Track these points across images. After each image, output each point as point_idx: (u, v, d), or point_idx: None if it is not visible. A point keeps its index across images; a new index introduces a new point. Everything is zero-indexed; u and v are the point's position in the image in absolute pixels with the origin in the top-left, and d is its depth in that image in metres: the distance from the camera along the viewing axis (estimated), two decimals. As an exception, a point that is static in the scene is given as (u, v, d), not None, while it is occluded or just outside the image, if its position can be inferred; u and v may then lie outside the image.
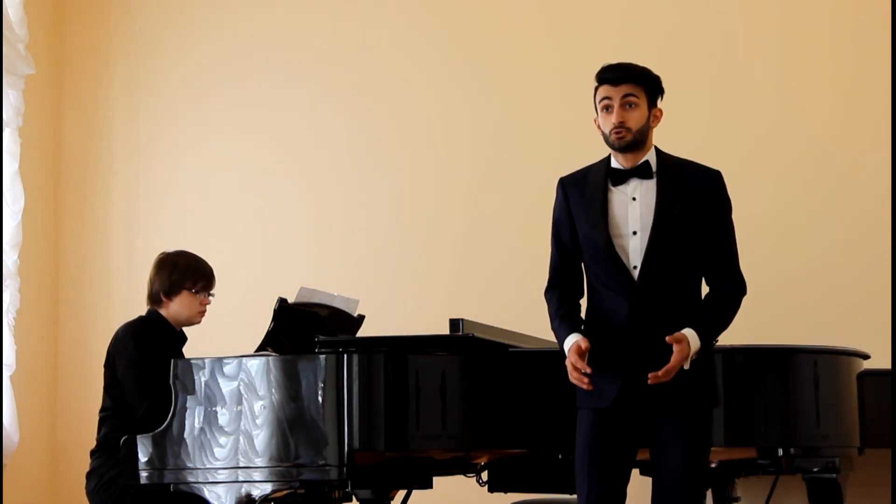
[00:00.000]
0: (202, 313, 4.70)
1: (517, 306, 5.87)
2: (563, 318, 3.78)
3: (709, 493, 5.02)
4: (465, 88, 6.25)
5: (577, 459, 3.74)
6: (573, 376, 3.65)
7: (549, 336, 4.90)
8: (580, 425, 3.76)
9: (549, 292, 3.86)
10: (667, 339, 3.59)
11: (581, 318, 3.80)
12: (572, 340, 3.69)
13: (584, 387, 3.64)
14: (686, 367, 3.62)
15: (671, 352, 3.60)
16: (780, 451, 4.25)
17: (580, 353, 3.64)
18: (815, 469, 4.33)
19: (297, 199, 6.39)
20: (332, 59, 6.42)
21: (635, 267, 3.68)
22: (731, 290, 3.74)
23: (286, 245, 6.37)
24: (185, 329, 4.73)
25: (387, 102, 6.33)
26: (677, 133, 5.60)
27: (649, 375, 3.58)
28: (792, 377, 4.29)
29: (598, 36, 6.09)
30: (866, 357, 4.67)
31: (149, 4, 6.66)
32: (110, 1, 6.70)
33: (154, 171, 6.58)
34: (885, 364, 4.79)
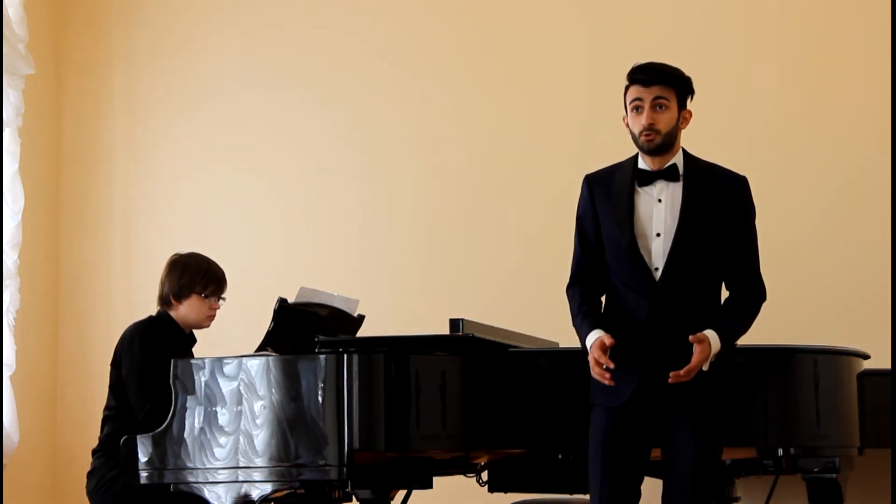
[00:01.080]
0: (211, 318, 4.68)
1: (517, 306, 5.88)
2: (585, 314, 3.77)
3: (709, 493, 5.02)
4: (465, 88, 6.24)
5: (590, 458, 3.75)
6: (595, 372, 3.65)
7: (550, 336, 4.92)
8: (594, 423, 3.76)
9: (571, 289, 3.86)
10: (690, 338, 3.60)
11: (602, 315, 3.79)
12: (595, 336, 3.68)
13: (607, 383, 3.64)
14: (705, 368, 3.63)
15: (689, 352, 3.61)
16: (780, 451, 4.25)
17: (603, 349, 3.63)
18: (815, 469, 4.33)
19: (297, 199, 6.39)
20: (332, 58, 6.41)
21: (657, 269, 3.69)
22: (753, 295, 3.76)
23: (286, 245, 6.36)
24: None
25: (387, 103, 6.33)
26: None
27: (671, 374, 3.59)
28: (792, 377, 4.29)
29: (597, 36, 6.08)
30: (866, 357, 4.66)
31: (149, 4, 6.66)
32: (110, 1, 6.70)
33: (154, 171, 6.58)
34: (885, 364, 4.79)
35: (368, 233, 6.27)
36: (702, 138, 5.70)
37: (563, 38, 6.14)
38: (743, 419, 4.21)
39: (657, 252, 3.69)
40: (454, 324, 4.21)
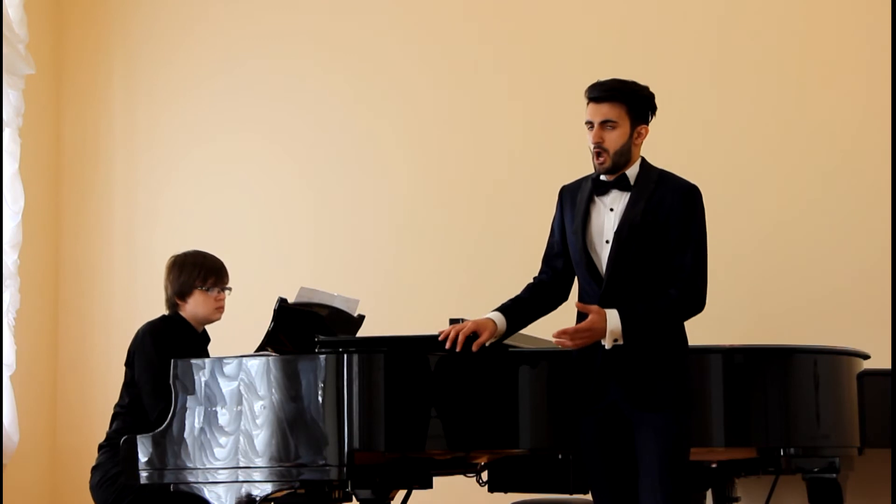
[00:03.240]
0: (220, 309, 4.69)
1: (517, 306, 5.87)
2: (512, 299, 4.04)
3: (709, 493, 5.03)
4: (466, 90, 6.24)
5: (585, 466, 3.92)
6: (444, 332, 3.92)
7: (549, 336, 4.92)
8: (580, 431, 3.90)
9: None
10: (577, 304, 3.80)
11: (525, 308, 4.03)
12: (484, 316, 3.95)
13: (443, 340, 3.89)
14: (607, 345, 3.74)
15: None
16: (781, 451, 4.26)
17: (468, 332, 3.89)
18: (815, 469, 4.34)
19: (297, 199, 6.39)
20: (333, 57, 6.42)
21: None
22: (677, 293, 3.80)
23: (286, 245, 6.37)
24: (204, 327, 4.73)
25: (388, 102, 6.33)
26: (678, 134, 5.61)
27: (552, 335, 3.75)
28: (792, 377, 4.29)
29: (596, 38, 6.09)
30: (866, 357, 4.67)
31: (148, 4, 6.66)
32: (110, 1, 6.70)
33: (154, 171, 6.58)
34: (885, 364, 4.80)
35: (369, 233, 6.27)
36: (701, 138, 5.72)
37: (562, 40, 6.14)
38: (743, 419, 4.22)
39: (606, 258, 3.83)
40: (454, 324, 4.21)
